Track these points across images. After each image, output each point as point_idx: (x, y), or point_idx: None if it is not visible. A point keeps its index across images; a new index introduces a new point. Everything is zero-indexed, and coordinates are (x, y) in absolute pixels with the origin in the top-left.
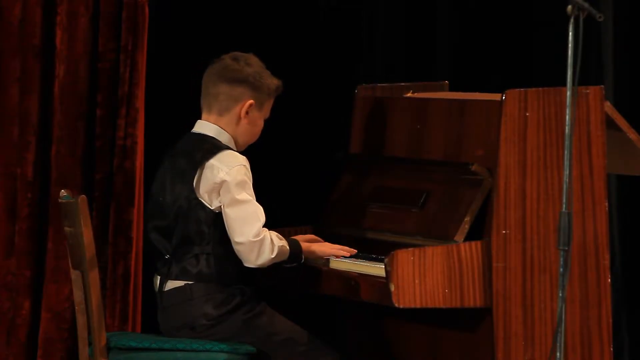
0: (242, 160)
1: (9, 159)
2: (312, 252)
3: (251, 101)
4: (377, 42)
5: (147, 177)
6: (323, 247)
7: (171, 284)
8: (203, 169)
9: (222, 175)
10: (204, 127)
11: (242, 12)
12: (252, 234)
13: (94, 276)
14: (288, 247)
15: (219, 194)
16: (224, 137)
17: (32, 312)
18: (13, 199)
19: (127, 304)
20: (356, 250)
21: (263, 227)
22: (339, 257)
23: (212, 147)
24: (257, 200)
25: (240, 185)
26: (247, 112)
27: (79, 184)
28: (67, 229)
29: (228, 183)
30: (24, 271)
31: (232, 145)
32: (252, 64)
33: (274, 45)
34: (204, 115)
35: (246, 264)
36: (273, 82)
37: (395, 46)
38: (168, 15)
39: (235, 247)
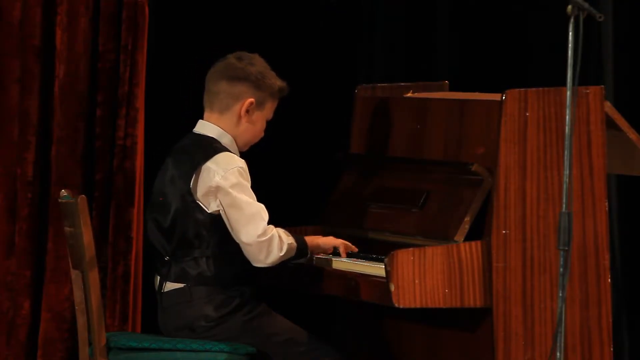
0: (239, 162)
1: (9, 159)
2: (318, 246)
3: (251, 99)
4: (377, 42)
5: (147, 177)
6: (327, 240)
7: (170, 286)
8: (200, 171)
9: (217, 179)
10: (205, 127)
11: (242, 12)
12: (259, 234)
13: (94, 276)
14: (296, 244)
15: (216, 197)
16: (224, 138)
17: (32, 312)
18: (13, 199)
19: (127, 304)
20: (357, 249)
21: (269, 225)
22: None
23: (210, 149)
24: (259, 201)
25: (238, 187)
26: (247, 111)
27: (79, 184)
28: (67, 229)
29: (225, 187)
30: (24, 271)
31: (233, 146)
32: (256, 64)
33: (274, 45)
34: (205, 114)
35: (256, 264)
36: (277, 82)
37: (395, 46)
38: (168, 15)
39: (244, 249)
